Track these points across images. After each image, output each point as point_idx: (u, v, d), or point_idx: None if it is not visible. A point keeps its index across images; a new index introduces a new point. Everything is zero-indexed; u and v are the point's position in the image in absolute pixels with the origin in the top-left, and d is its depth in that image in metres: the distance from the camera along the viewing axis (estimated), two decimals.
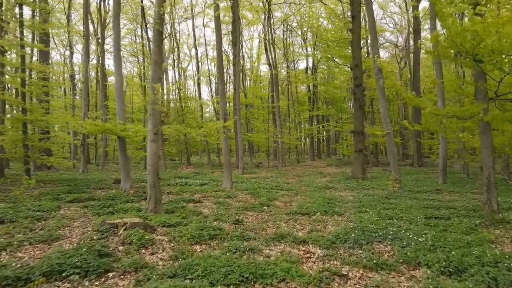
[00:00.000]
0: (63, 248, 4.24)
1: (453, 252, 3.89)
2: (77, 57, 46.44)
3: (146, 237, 4.60)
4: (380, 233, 4.88)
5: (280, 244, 4.77)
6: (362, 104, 14.76)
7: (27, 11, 20.00)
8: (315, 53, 31.47)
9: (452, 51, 6.53)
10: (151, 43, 22.32)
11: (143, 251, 4.35)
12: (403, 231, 4.92)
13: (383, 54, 34.99)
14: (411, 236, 4.67)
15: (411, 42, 29.29)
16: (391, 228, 5.10)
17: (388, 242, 4.58)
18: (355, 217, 6.50)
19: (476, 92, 6.60)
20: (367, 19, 23.78)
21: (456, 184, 11.91)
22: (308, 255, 4.31)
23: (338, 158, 35.24)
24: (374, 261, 3.83)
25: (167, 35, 26.21)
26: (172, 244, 4.63)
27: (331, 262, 4.04)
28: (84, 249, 3.94)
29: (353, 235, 4.82)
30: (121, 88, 11.16)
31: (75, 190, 10.24)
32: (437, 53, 6.14)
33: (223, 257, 3.91)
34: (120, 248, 4.38)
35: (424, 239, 4.48)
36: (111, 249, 4.24)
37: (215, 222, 6.07)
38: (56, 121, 12.65)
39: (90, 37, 27.50)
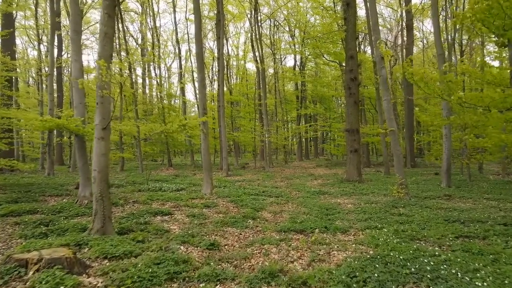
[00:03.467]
0: None
1: None
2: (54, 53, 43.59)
3: (66, 284, 2.99)
4: (411, 268, 3.44)
5: None
6: (357, 99, 13.45)
7: None
8: (303, 50, 30.16)
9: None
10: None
11: None
12: (443, 265, 3.49)
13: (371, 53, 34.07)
14: (458, 274, 3.25)
15: (400, 40, 28.57)
16: (423, 259, 3.67)
17: (429, 286, 3.13)
18: (365, 236, 5.06)
19: None
20: (362, 7, 22.66)
21: (462, 188, 10.73)
22: None
23: (327, 159, 34.10)
24: None
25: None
26: None
27: None
28: None
29: (374, 272, 3.35)
30: (79, 77, 9.37)
31: (24, 199, 8.44)
32: (470, 22, 4.79)
33: None
34: None
35: (481, 282, 3.06)
36: None
37: (181, 248, 4.50)
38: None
39: (64, 29, 25.30)
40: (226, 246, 4.77)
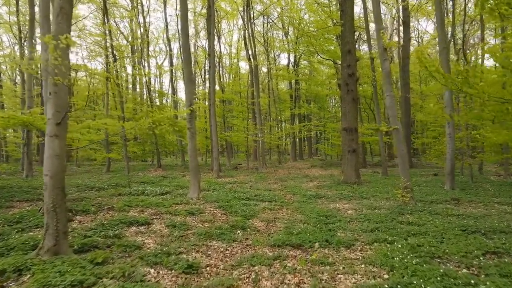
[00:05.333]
0: None
1: None
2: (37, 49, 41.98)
3: None
4: None
5: None
6: (355, 96, 12.68)
7: None
8: (297, 47, 29.39)
9: None
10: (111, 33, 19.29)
11: None
12: None
13: (368, 50, 33.46)
14: None
15: (396, 38, 28.02)
16: None
17: None
18: (375, 253, 4.25)
19: None
20: (357, 2, 21.87)
21: (467, 191, 10.03)
22: None
23: (321, 159, 33.39)
24: None
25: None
26: None
27: None
28: None
29: None
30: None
31: None
32: (495, 4, 4.01)
33: None
34: None
35: None
36: None
37: (151, 272, 3.62)
38: None
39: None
40: (207, 268, 3.90)
